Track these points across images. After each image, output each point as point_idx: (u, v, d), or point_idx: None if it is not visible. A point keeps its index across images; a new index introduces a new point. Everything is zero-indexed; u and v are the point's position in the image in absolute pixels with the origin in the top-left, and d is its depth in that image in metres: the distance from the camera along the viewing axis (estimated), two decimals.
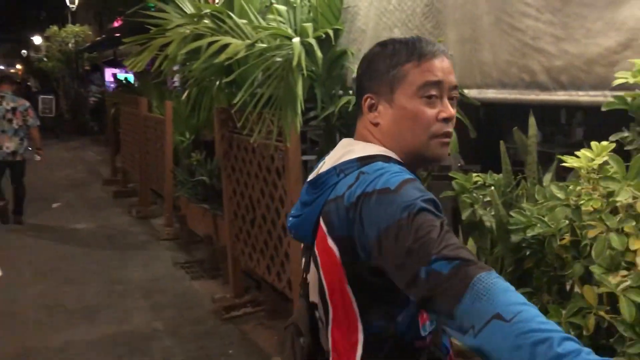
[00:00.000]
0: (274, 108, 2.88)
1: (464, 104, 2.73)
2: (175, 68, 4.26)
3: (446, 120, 1.15)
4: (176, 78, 8.22)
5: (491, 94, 2.60)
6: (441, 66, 1.15)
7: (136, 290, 4.73)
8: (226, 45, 3.09)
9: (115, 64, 17.73)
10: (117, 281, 4.93)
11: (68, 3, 19.66)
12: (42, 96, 17.00)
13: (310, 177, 1.25)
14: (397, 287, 1.00)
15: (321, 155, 3.66)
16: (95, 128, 16.29)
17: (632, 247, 1.52)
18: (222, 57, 3.05)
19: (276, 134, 3.00)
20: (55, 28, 18.18)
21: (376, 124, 1.20)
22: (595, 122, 1.92)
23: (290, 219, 1.28)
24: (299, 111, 2.71)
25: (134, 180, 8.50)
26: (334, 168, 1.18)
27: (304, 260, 1.29)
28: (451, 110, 1.15)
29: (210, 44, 3.17)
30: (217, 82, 3.64)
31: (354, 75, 3.26)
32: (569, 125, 4.61)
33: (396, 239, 0.97)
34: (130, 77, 15.62)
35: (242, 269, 4.38)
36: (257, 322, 4.07)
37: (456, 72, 2.74)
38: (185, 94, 3.95)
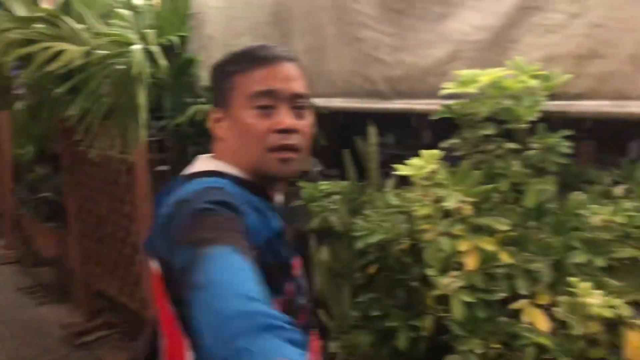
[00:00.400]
0: (116, 118, 2.71)
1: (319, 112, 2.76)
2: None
3: (284, 131, 1.07)
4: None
5: (337, 102, 2.65)
6: (275, 74, 1.09)
7: None
8: (61, 52, 2.86)
9: None
10: None
11: None
12: None
13: None
14: None
15: (173, 165, 3.53)
16: None
17: (461, 248, 1.60)
18: (57, 64, 2.82)
19: (121, 146, 2.83)
20: None
21: (221, 139, 1.13)
22: (444, 126, 2.01)
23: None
24: (143, 122, 2.57)
25: None
26: None
27: None
28: (287, 121, 1.08)
29: (44, 50, 2.92)
30: (56, 91, 3.37)
31: (203, 82, 3.19)
32: (419, 128, 4.89)
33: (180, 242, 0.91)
34: None
35: (94, 291, 4.09)
36: (113, 345, 3.82)
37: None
38: (22, 103, 3.62)
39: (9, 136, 5.78)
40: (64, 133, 3.91)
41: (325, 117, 2.84)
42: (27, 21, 3.19)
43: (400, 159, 1.83)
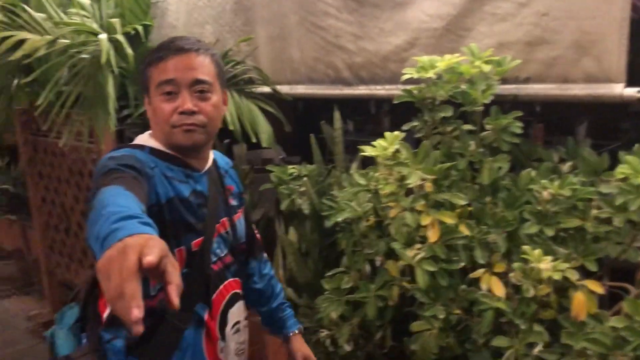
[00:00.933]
0: (84, 108, 2.72)
1: (281, 99, 2.84)
2: None
3: (184, 112, 1.28)
4: None
5: (301, 89, 2.74)
6: (176, 65, 1.28)
7: None
8: (22, 41, 2.85)
9: None
10: None
11: None
12: None
13: None
14: None
15: None
16: None
17: (423, 222, 1.72)
18: (19, 53, 2.81)
19: (88, 135, 2.84)
20: None
21: (150, 119, 1.36)
22: (401, 110, 2.13)
23: None
24: (112, 111, 2.59)
25: None
26: None
27: None
28: (187, 105, 1.28)
29: (4, 39, 2.90)
30: (16, 81, 3.33)
31: None
32: (378, 115, 5.03)
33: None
34: None
35: (60, 281, 4.08)
36: None
37: (268, 68, 2.83)
38: None
39: None
40: (23, 124, 3.86)
41: (289, 104, 2.94)
42: None
43: (362, 145, 1.94)
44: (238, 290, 1.47)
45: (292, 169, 2.38)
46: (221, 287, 1.40)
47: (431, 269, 1.70)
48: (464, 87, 1.90)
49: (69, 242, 3.65)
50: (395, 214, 1.81)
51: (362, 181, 1.95)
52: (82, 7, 3.30)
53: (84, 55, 2.84)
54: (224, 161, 1.53)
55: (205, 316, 1.34)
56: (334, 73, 2.57)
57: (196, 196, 1.34)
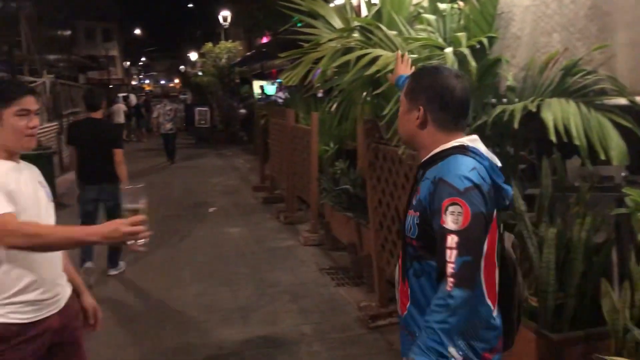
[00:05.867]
0: None
1: (636, 111, 2.51)
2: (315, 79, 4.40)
3: None
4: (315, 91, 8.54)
5: None
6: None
7: (284, 294, 4.93)
8: (376, 58, 3.13)
9: (263, 76, 18.74)
10: (267, 284, 5.19)
11: (221, 21, 21.14)
12: (198, 108, 18.51)
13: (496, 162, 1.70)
14: None
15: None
16: (245, 138, 17.30)
17: None
18: (373, 69, 3.09)
19: None
20: (210, 44, 19.58)
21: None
22: None
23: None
24: None
25: (280, 187, 8.91)
26: None
27: None
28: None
29: (361, 57, 3.23)
30: (364, 94, 3.70)
31: (508, 83, 3.15)
32: None
33: None
34: (268, 89, 16.49)
35: (387, 279, 4.39)
36: None
37: (626, 77, 2.54)
38: (332, 105, 4.04)
39: (316, 135, 6.54)
40: (367, 132, 4.26)
41: None
42: (344, 32, 3.57)
43: None
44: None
45: None
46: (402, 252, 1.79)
47: None
48: None
49: (399, 244, 3.89)
50: None
51: None
52: (429, 23, 3.48)
53: None
54: (439, 171, 1.63)
55: None
56: None
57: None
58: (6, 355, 1.91)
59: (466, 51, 2.76)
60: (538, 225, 2.82)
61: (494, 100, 3.24)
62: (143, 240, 1.83)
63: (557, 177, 2.91)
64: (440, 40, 3.25)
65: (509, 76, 3.12)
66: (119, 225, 1.80)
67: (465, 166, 1.59)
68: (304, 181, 7.10)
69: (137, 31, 53.94)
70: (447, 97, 1.68)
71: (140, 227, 1.81)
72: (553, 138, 2.40)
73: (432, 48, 3.10)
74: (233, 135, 18.31)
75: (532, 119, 2.64)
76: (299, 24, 6.02)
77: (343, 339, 4.01)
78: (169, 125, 13.79)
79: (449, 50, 2.74)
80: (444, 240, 1.54)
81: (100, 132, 5.39)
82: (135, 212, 1.83)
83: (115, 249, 5.57)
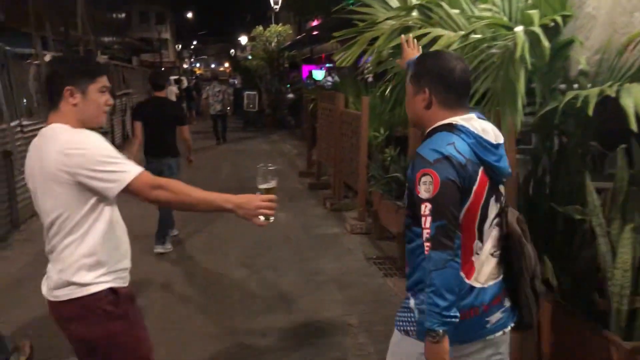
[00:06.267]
0: (491, 105, 2.65)
1: None
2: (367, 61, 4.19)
3: None
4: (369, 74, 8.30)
5: None
6: None
7: (330, 282, 4.82)
8: (437, 38, 2.93)
9: (312, 61, 18.59)
10: (312, 271, 5.08)
11: (272, 4, 21.03)
12: (246, 92, 18.54)
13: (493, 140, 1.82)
14: None
15: (534, 155, 3.34)
16: (292, 122, 17.23)
17: None
18: (434, 49, 2.90)
19: None
20: (260, 28, 19.47)
21: None
22: None
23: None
24: (520, 108, 2.44)
25: (327, 173, 8.77)
26: None
27: None
28: None
29: (420, 37, 3.04)
30: None
31: (581, 66, 2.90)
32: None
33: None
34: (317, 74, 16.30)
35: None
36: None
37: None
38: (385, 89, 3.85)
39: (367, 120, 6.36)
40: None
41: None
42: (402, 10, 3.37)
43: None
44: None
45: None
46: None
47: None
48: None
49: None
50: None
51: None
52: (493, 2, 3.25)
53: (493, 50, 2.77)
54: (420, 147, 1.78)
55: None
56: None
57: None
58: (130, 315, 2.03)
59: (538, 30, 2.53)
60: (609, 222, 2.59)
61: (562, 86, 2.99)
62: (271, 217, 2.00)
63: (634, 170, 2.65)
64: (505, 19, 3.02)
65: (582, 59, 2.87)
66: (254, 199, 1.98)
67: (443, 141, 1.74)
68: (351, 167, 6.94)
69: (189, 15, 54.66)
70: (450, 78, 1.81)
71: (273, 204, 1.99)
72: (634, 126, 2.17)
73: (497, 27, 2.87)
74: (281, 119, 18.27)
75: (604, 106, 2.42)
76: (351, 3, 5.81)
77: (390, 332, 3.85)
78: (219, 107, 14.28)
79: (519, 29, 2.51)
80: (419, 209, 1.72)
81: (166, 109, 5.80)
82: (268, 190, 2.03)
83: (165, 227, 5.59)
